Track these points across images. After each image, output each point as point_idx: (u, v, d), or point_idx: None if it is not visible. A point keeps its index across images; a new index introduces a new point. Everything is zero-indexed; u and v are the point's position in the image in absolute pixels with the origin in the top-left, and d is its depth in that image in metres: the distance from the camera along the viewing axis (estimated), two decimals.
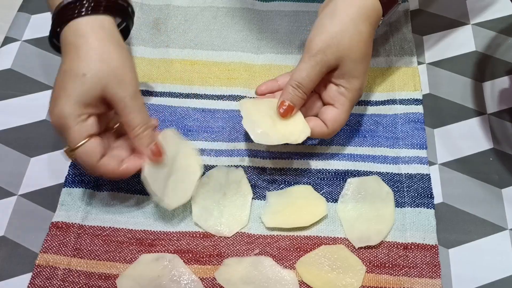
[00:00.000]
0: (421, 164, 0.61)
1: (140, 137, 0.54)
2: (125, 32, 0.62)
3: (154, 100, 0.67)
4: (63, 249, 0.56)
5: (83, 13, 0.54)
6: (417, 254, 0.56)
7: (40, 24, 0.75)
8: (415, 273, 0.55)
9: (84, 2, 0.55)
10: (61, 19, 0.55)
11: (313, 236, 0.57)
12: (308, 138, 0.59)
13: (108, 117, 0.57)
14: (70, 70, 0.53)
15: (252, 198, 0.60)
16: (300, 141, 0.57)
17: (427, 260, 0.55)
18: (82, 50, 0.53)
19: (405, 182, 0.60)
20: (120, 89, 0.53)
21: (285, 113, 0.58)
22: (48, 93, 0.68)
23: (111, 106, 0.54)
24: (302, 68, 0.57)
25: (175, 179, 0.57)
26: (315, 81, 0.58)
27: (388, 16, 0.60)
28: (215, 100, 0.68)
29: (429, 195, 0.59)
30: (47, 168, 0.63)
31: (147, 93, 0.68)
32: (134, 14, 0.62)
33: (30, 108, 0.67)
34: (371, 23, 0.58)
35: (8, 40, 0.73)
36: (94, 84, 0.52)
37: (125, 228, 0.58)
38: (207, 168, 0.62)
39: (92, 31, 0.54)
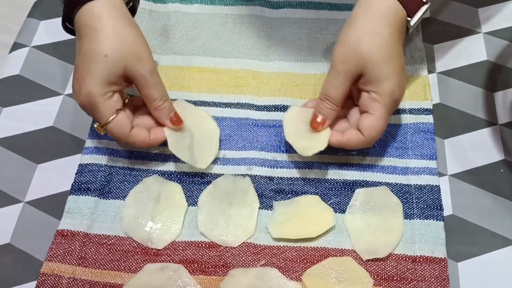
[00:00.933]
0: (430, 175, 0.61)
1: (160, 108, 0.59)
2: (131, 11, 0.64)
3: None
4: (68, 257, 0.56)
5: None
6: (425, 267, 0.55)
7: (49, 30, 0.75)
8: (424, 286, 0.54)
9: None
10: (73, 2, 0.57)
11: (320, 247, 0.57)
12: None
13: (124, 93, 0.61)
14: (91, 51, 0.56)
15: (259, 208, 0.59)
16: (305, 154, 0.59)
17: (436, 274, 0.54)
18: (100, 31, 0.56)
19: (414, 193, 0.60)
20: (140, 66, 0.57)
21: (317, 125, 0.59)
22: (55, 100, 0.68)
23: (131, 82, 0.59)
24: (327, 81, 0.59)
25: (198, 141, 0.62)
26: (343, 91, 0.58)
27: (419, 16, 0.59)
28: (222, 107, 0.67)
29: (438, 207, 0.58)
30: (54, 175, 0.62)
31: None
32: None
33: (38, 114, 0.67)
34: (390, 24, 0.57)
35: (17, 46, 0.73)
36: (116, 63, 0.56)
37: (130, 237, 0.58)
38: (214, 176, 0.62)
39: (107, 11, 0.57)
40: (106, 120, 0.57)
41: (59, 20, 0.74)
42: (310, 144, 0.60)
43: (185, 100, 0.67)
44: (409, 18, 0.59)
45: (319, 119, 0.59)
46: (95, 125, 0.58)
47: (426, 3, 0.59)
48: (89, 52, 0.56)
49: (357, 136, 0.58)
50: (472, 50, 0.71)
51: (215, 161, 0.63)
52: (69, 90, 0.69)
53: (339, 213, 0.59)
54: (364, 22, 0.57)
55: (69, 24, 0.61)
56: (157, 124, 0.61)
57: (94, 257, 0.56)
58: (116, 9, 0.58)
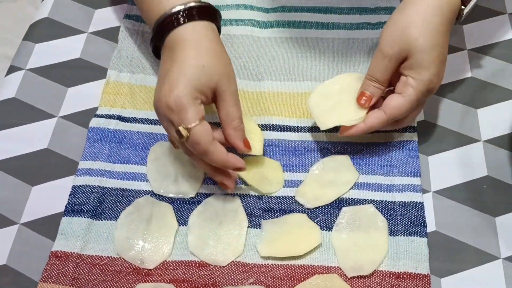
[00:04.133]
0: (414, 192, 0.62)
1: (238, 128, 0.60)
2: None
3: (154, 129, 0.69)
4: (62, 278, 0.58)
5: (185, 21, 0.60)
6: (409, 284, 0.56)
7: (44, 52, 0.76)
8: None
9: (181, 12, 0.60)
10: (172, 21, 0.60)
11: (307, 265, 0.58)
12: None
13: None
14: (189, 60, 0.58)
15: (248, 227, 0.61)
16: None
17: None
18: (201, 45, 0.59)
19: (398, 210, 0.61)
20: (228, 83, 0.59)
21: (364, 102, 0.61)
22: (50, 122, 0.70)
23: (214, 99, 0.60)
24: (374, 62, 0.61)
25: (183, 172, 0.64)
26: (388, 73, 0.60)
27: (473, 3, 0.61)
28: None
29: (422, 224, 0.60)
30: (48, 197, 0.64)
31: (147, 121, 0.70)
32: (221, 18, 0.66)
33: (33, 137, 0.69)
34: (442, 12, 0.59)
35: (13, 69, 0.75)
36: (211, 75, 0.58)
37: (122, 257, 0.59)
38: (204, 196, 0.63)
39: (205, 30, 0.61)
40: (193, 122, 0.56)
41: (54, 42, 0.77)
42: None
43: None
44: (463, 7, 0.61)
45: (366, 96, 0.61)
46: (180, 128, 0.56)
47: None
48: (186, 61, 0.58)
49: (378, 115, 0.61)
50: (456, 67, 0.72)
51: (205, 181, 0.65)
52: (63, 112, 0.71)
53: (326, 230, 0.61)
54: (416, 8, 0.59)
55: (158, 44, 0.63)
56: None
57: (87, 278, 0.58)
58: (211, 29, 0.61)
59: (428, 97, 0.62)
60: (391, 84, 0.62)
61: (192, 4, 0.60)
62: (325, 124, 0.62)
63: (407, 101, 0.59)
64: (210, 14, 0.62)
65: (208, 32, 0.60)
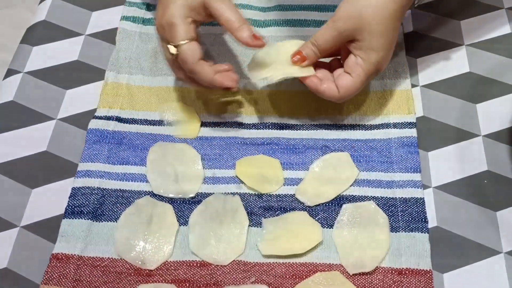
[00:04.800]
0: (415, 187, 0.62)
1: (241, 28, 0.62)
2: None
3: (153, 129, 0.69)
4: (63, 280, 0.57)
5: None
6: (411, 280, 0.56)
7: (42, 55, 0.76)
8: None
9: None
10: None
11: (309, 262, 0.58)
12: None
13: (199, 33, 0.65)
14: None
15: (249, 226, 0.61)
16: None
17: (422, 286, 0.56)
18: None
19: (399, 207, 0.61)
20: None
21: (297, 60, 0.64)
22: (49, 124, 0.70)
23: (209, 14, 0.63)
24: (322, 30, 0.63)
25: (183, 173, 0.65)
26: (331, 44, 0.63)
27: None
28: (212, 127, 0.69)
29: (423, 219, 0.60)
30: (48, 199, 0.64)
31: (146, 122, 0.69)
32: None
33: (32, 140, 0.69)
34: (399, 1, 0.61)
35: (10, 72, 0.75)
36: None
37: (123, 259, 0.59)
38: (204, 195, 0.63)
39: None
40: (182, 39, 0.61)
41: (51, 45, 0.77)
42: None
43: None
44: None
45: (301, 55, 0.64)
46: (168, 45, 0.62)
47: None
48: None
49: (333, 90, 0.63)
50: (454, 63, 0.72)
51: (205, 180, 0.64)
52: (61, 114, 0.70)
53: (327, 228, 0.60)
54: None
55: None
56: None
57: (89, 280, 0.58)
58: None
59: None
60: (334, 55, 0.66)
61: None
62: (258, 75, 0.65)
63: (358, 82, 0.62)
64: None
65: None
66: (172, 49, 0.61)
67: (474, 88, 0.70)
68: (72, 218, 0.61)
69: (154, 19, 0.65)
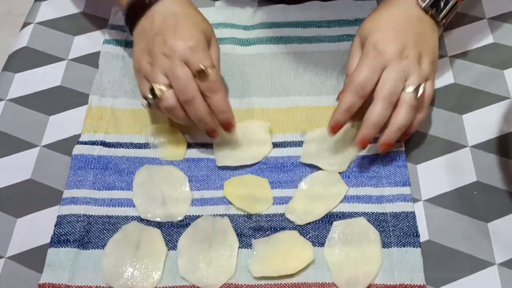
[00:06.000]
0: (405, 201, 0.61)
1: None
2: None
3: (138, 153, 0.68)
4: None
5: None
6: None
7: (24, 82, 0.75)
8: None
9: None
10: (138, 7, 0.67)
11: (301, 283, 0.57)
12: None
13: None
14: (188, 14, 0.66)
15: (239, 247, 0.60)
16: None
17: None
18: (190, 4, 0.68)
19: (390, 221, 0.60)
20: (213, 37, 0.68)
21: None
22: (32, 152, 0.68)
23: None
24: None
25: (170, 196, 0.64)
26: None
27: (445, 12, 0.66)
28: (199, 148, 0.68)
29: (414, 234, 0.59)
30: (34, 228, 0.63)
31: (131, 145, 0.69)
32: None
33: (16, 168, 0.67)
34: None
35: None
36: (208, 27, 0.67)
37: (111, 287, 0.58)
38: (193, 218, 0.62)
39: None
40: (210, 62, 0.62)
41: (33, 71, 0.76)
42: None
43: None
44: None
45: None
46: (202, 66, 0.61)
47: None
48: (187, 15, 0.65)
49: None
50: (439, 74, 0.72)
51: (193, 202, 0.64)
52: (45, 141, 0.69)
53: (318, 246, 0.60)
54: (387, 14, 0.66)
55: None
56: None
57: None
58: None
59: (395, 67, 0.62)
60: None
61: None
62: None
63: (360, 64, 0.62)
64: None
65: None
66: (208, 74, 0.62)
67: (460, 99, 0.70)
68: (59, 247, 0.60)
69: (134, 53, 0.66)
